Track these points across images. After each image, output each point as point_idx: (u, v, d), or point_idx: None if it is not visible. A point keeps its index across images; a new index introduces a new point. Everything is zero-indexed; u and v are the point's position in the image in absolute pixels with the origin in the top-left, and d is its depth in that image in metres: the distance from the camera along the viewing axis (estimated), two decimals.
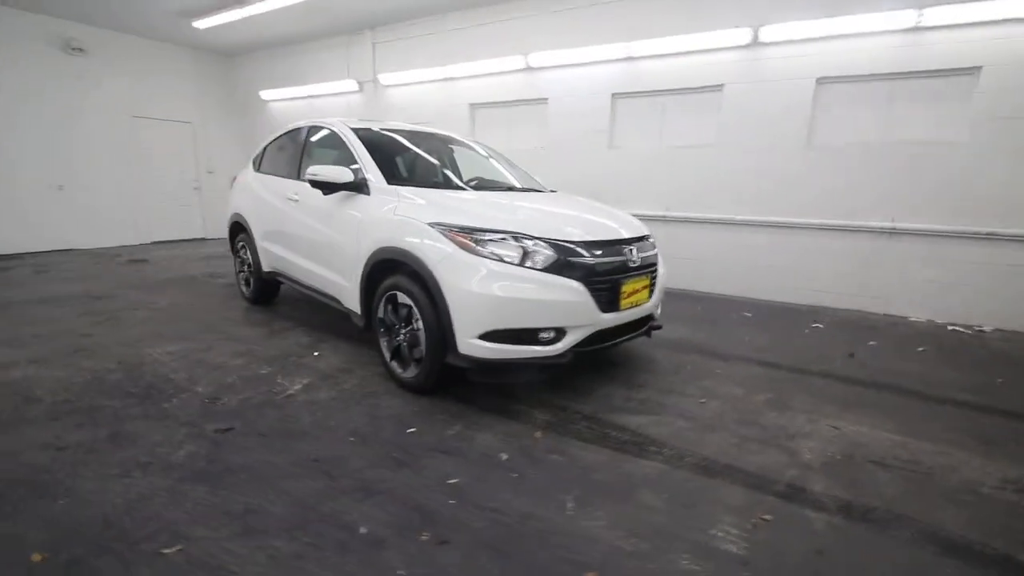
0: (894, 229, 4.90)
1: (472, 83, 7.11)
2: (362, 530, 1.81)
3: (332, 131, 3.74)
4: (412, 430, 2.54)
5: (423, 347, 2.75)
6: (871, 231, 5.00)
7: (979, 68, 4.42)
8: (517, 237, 2.56)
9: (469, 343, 2.54)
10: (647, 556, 1.73)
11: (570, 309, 2.57)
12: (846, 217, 5.10)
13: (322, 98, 8.77)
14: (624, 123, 6.20)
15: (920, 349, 4.04)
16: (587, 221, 2.92)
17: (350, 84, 8.22)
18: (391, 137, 3.74)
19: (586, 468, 2.25)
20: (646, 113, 6.06)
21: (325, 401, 2.85)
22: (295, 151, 4.08)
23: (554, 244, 2.58)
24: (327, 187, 3.27)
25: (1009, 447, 2.52)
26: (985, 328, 4.59)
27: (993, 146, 4.43)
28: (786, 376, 3.41)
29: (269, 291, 4.83)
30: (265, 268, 4.49)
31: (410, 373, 2.91)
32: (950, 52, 4.49)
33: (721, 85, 5.52)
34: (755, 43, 5.22)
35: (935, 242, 4.76)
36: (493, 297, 2.47)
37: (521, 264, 2.52)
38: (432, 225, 2.67)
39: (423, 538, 1.78)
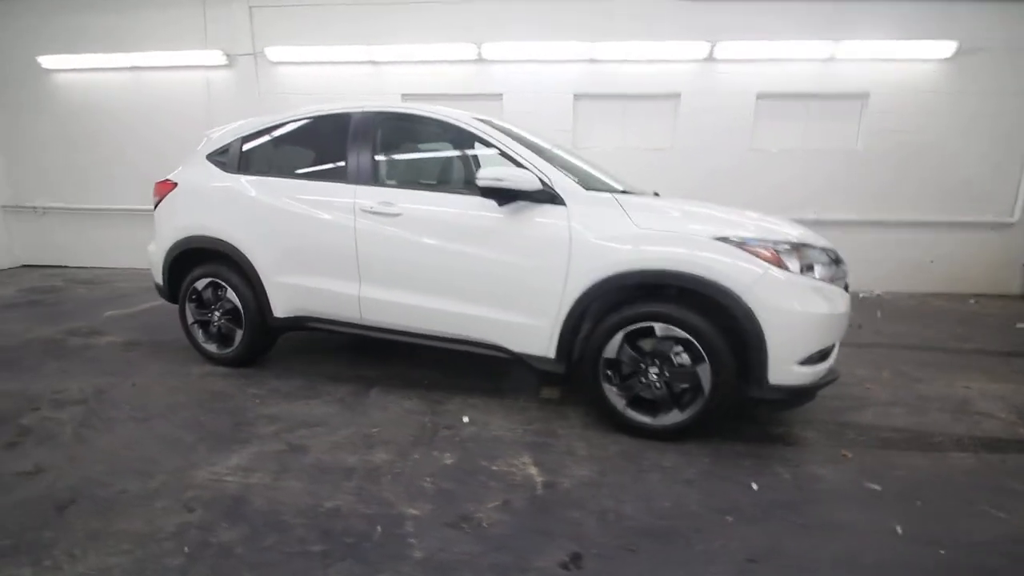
0: (818, 220, 6.07)
1: (407, 69, 6.16)
2: None
3: (439, 120, 2.81)
4: (755, 486, 2.13)
5: (705, 386, 2.32)
6: (802, 223, 6.10)
7: (868, 94, 5.79)
8: (826, 250, 2.38)
9: (789, 371, 2.24)
10: None
11: (846, 320, 2.51)
12: (783, 212, 6.10)
13: (159, 71, 6.43)
14: (587, 124, 6.20)
15: (879, 314, 5.15)
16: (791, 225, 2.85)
17: (211, 56, 6.24)
18: (512, 132, 2.98)
19: (938, 475, 2.24)
20: (608, 115, 6.18)
21: (597, 480, 2.16)
22: (359, 147, 2.90)
23: (829, 253, 2.47)
24: (506, 196, 2.46)
25: None
26: (879, 292, 6.10)
27: (879, 154, 5.88)
28: (860, 352, 3.94)
29: (265, 345, 3.38)
30: (282, 312, 3.12)
31: (669, 419, 2.42)
32: (850, 80, 5.77)
33: (679, 94, 5.99)
34: (710, 58, 5.81)
35: (845, 229, 6.08)
36: (821, 316, 2.24)
37: (821, 277, 2.34)
38: (723, 240, 2.26)
39: None
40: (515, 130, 2.91)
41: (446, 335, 2.80)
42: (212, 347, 3.37)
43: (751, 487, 2.12)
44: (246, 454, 2.31)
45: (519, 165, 2.57)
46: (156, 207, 3.49)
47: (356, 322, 2.99)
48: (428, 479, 2.15)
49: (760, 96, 5.91)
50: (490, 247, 2.57)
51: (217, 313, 3.30)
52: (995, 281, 5.95)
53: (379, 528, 1.83)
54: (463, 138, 2.79)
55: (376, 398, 2.95)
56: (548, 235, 2.47)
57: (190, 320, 3.39)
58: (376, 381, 3.18)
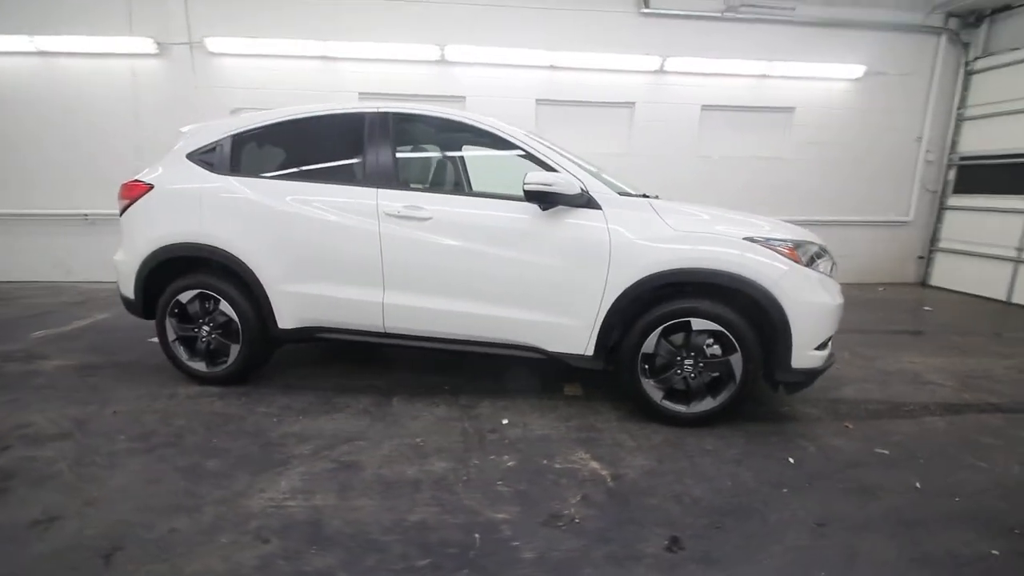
0: None
1: (364, 67, 5.93)
2: None
3: (465, 123, 2.81)
4: (791, 460, 2.37)
5: (737, 374, 2.53)
6: None
7: (794, 108, 6.51)
8: (821, 248, 2.67)
9: (807, 355, 2.51)
10: None
11: (842, 310, 2.83)
12: None
13: (74, 58, 5.65)
14: (549, 129, 6.34)
15: None
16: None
17: (139, 43, 5.60)
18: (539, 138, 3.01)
19: (923, 437, 2.62)
20: (569, 121, 6.38)
21: (656, 468, 2.29)
22: (378, 148, 2.80)
23: (824, 249, 2.78)
24: (549, 200, 2.51)
25: (986, 349, 4.11)
26: None
27: (803, 161, 6.62)
28: None
29: (263, 360, 3.15)
30: (289, 324, 2.92)
31: (702, 407, 2.61)
32: (779, 95, 6.45)
33: (633, 103, 6.35)
34: (661, 71, 6.22)
35: None
36: (832, 306, 2.54)
37: (823, 271, 2.63)
38: (750, 240, 2.48)
39: None
40: (539, 137, 2.97)
41: (477, 339, 2.79)
42: (199, 365, 3.06)
43: (788, 461, 2.36)
44: (295, 476, 2.16)
45: (551, 170, 2.64)
46: (123, 212, 3.11)
47: (376, 330, 2.87)
48: (499, 483, 2.14)
49: (705, 108, 6.42)
50: (530, 250, 2.61)
51: (206, 328, 3.01)
52: (896, 272, 6.95)
53: (477, 536, 1.81)
54: (491, 142, 2.80)
55: (401, 407, 2.86)
56: (588, 237, 2.56)
57: (171, 337, 3.05)
58: (391, 390, 3.07)
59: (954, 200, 6.66)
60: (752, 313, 2.50)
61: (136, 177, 3.11)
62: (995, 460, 2.41)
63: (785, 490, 2.13)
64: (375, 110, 2.87)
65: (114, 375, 3.25)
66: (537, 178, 2.46)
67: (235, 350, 3.00)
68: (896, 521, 1.94)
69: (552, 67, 6.11)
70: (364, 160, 2.83)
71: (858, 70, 6.30)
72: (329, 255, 2.82)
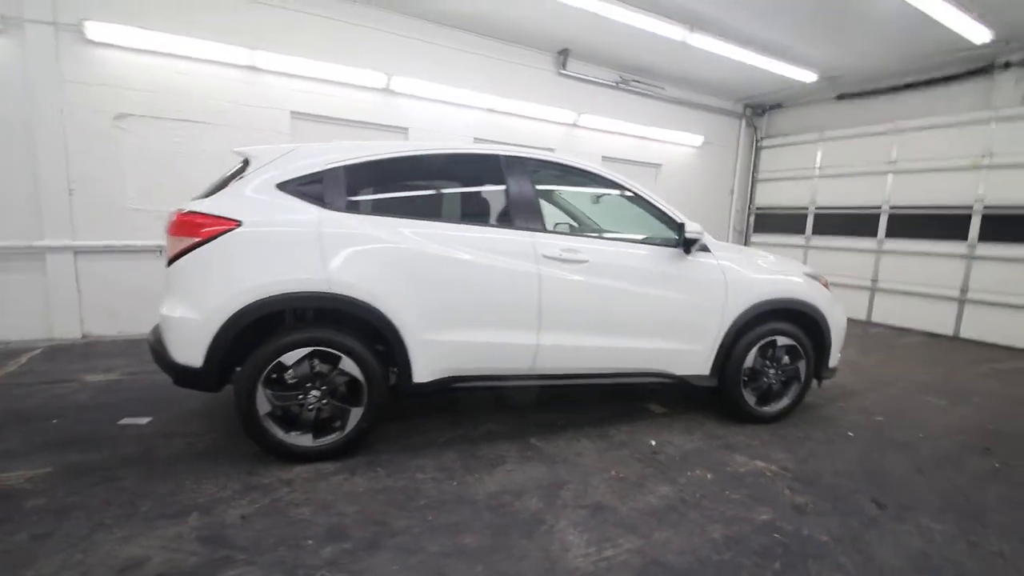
0: None
1: (299, 85, 5.30)
2: None
3: (601, 176, 3.12)
4: (851, 434, 3.25)
5: (802, 377, 3.34)
6: None
7: (661, 164, 8.17)
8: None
9: (836, 357, 3.47)
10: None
11: None
12: None
13: None
14: None
15: None
16: None
17: None
18: None
19: (883, 405, 3.85)
20: None
21: (797, 457, 2.90)
22: (522, 191, 2.79)
23: None
24: (691, 245, 2.96)
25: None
26: None
27: None
28: None
29: (374, 422, 2.73)
30: (427, 376, 2.64)
31: (780, 406, 3.35)
32: (652, 154, 8.03)
33: (554, 149, 7.09)
34: (575, 125, 7.14)
35: None
36: (846, 319, 3.55)
37: None
38: (808, 276, 3.34)
39: None
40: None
41: (621, 371, 3.01)
42: (303, 440, 2.50)
43: (850, 435, 3.24)
44: (569, 529, 2.09)
45: (671, 220, 3.10)
46: (180, 256, 2.37)
47: (523, 373, 2.83)
48: (727, 492, 2.46)
49: (604, 158, 7.56)
50: (673, 288, 2.99)
51: (315, 393, 2.50)
52: None
53: (776, 536, 2.13)
54: (618, 192, 3.11)
55: (550, 447, 2.86)
56: (712, 275, 3.08)
57: (264, 410, 2.42)
58: (515, 434, 3.01)
59: (754, 238, 9.22)
60: (808, 329, 3.36)
61: (198, 209, 2.42)
62: (928, 413, 3.73)
63: (875, 454, 2.98)
64: (512, 154, 2.89)
65: (146, 474, 2.38)
66: (694, 227, 2.90)
67: (355, 415, 2.57)
68: (942, 458, 2.94)
69: (490, 110, 6.44)
70: (509, 202, 2.82)
71: (699, 139, 8.30)
72: (483, 299, 2.69)
